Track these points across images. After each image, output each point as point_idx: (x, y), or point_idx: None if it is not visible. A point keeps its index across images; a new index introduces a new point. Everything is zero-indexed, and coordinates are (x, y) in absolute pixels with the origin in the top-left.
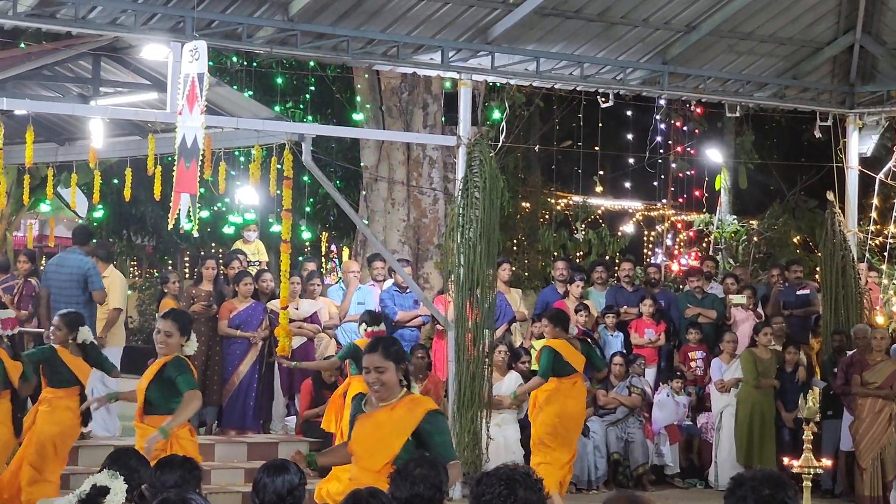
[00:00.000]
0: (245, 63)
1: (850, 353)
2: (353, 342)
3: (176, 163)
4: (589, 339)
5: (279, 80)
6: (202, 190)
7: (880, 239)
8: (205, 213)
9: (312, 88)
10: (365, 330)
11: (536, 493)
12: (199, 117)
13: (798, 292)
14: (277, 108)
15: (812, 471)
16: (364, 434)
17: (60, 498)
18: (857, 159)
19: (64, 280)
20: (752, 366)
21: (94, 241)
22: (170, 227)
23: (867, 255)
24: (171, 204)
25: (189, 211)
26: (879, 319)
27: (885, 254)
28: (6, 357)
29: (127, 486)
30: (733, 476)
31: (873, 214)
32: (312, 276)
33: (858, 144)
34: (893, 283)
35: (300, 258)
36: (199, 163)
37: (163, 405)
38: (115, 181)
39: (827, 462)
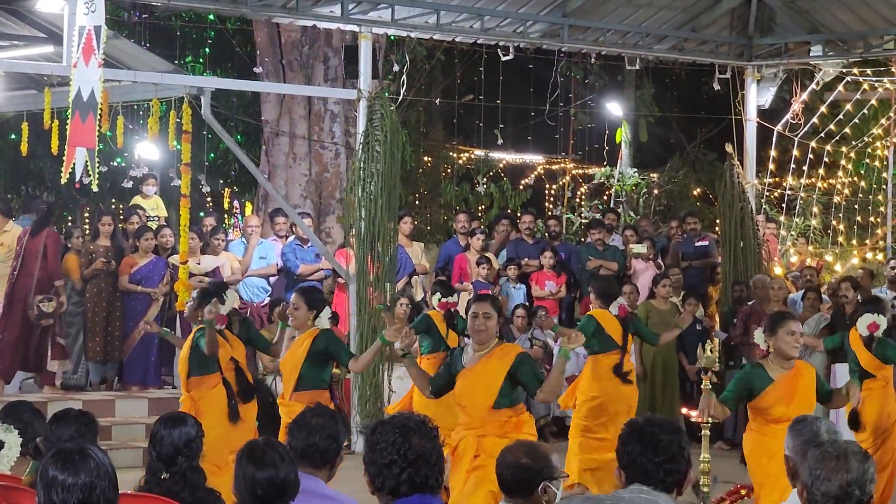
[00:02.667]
0: (143, 16)
1: (749, 303)
2: (427, 313)
3: (70, 116)
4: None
5: (178, 34)
6: (100, 145)
7: (779, 191)
8: (103, 168)
9: (212, 42)
10: (439, 300)
11: (431, 440)
12: (96, 70)
13: (696, 244)
14: (177, 62)
15: (710, 420)
16: (466, 385)
17: None
18: (756, 112)
19: None
20: (644, 320)
21: None
22: (63, 181)
23: (765, 206)
24: (64, 158)
25: (87, 165)
26: (777, 270)
27: (784, 205)
28: None
29: (21, 439)
30: (627, 422)
31: (771, 166)
32: (216, 231)
33: (757, 97)
34: (791, 235)
35: (201, 213)
36: (97, 117)
37: (314, 380)
38: (13, 136)
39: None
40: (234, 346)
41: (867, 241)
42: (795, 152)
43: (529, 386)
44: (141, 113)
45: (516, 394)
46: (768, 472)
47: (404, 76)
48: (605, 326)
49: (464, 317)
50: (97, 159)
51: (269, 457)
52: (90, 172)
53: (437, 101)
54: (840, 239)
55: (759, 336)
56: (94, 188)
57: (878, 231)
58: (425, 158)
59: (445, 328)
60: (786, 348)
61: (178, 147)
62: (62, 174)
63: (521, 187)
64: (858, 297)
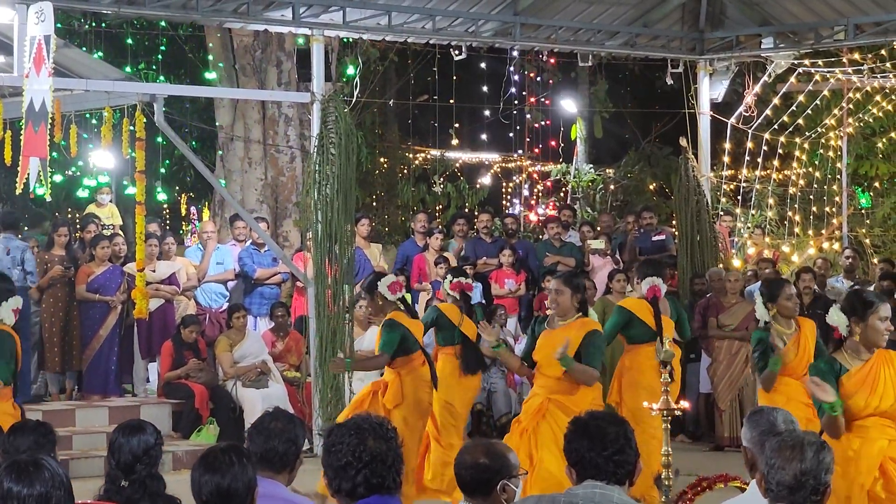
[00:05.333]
0: (94, 24)
1: (707, 296)
2: (437, 306)
3: (24, 127)
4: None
5: (129, 41)
6: (54, 154)
7: (734, 183)
8: (58, 178)
9: (164, 49)
10: (450, 282)
11: (387, 441)
12: (46, 80)
13: (653, 238)
14: (129, 70)
15: (670, 413)
16: (545, 346)
17: None
18: (709, 105)
19: None
20: (600, 315)
21: None
22: (18, 191)
23: (722, 200)
24: (19, 169)
25: (40, 175)
26: (736, 262)
27: (739, 197)
28: None
29: None
30: (572, 420)
31: (726, 159)
32: (166, 236)
33: (709, 90)
34: (748, 227)
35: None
36: (49, 126)
37: None
38: None
39: (685, 404)
40: None
41: (823, 232)
42: (749, 144)
43: (585, 359)
44: (94, 122)
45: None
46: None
47: (357, 78)
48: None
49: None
50: (50, 169)
51: (221, 462)
52: (42, 182)
53: (392, 102)
54: (796, 230)
55: (837, 317)
56: (47, 198)
57: (834, 221)
58: (381, 160)
59: (459, 317)
60: (875, 336)
61: (133, 155)
62: (17, 185)
63: (478, 186)
64: (815, 288)
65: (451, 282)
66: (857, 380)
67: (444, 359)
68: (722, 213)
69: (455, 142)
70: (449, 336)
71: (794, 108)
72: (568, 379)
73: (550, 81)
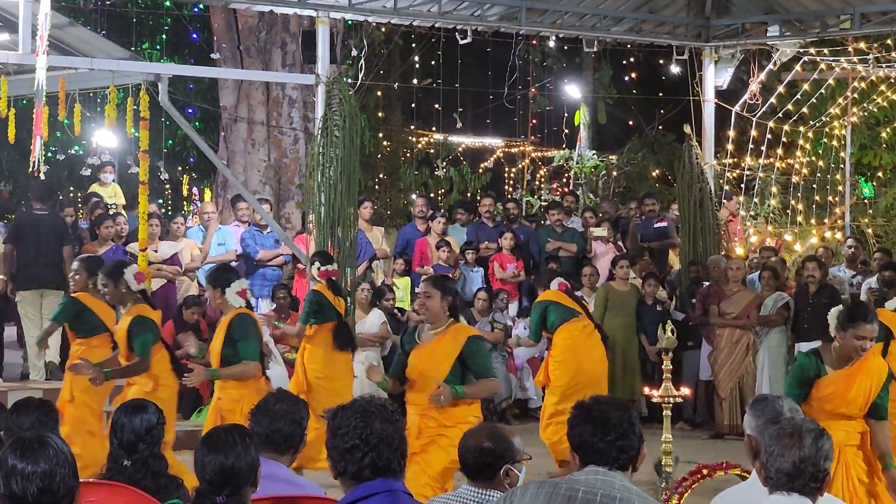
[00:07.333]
0: (99, 3)
1: (706, 284)
2: (317, 290)
3: (36, 106)
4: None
5: (134, 21)
6: (58, 133)
7: (737, 171)
8: (61, 156)
9: (168, 28)
10: (318, 269)
11: (393, 424)
12: (42, 58)
13: (655, 225)
14: (133, 49)
15: (671, 400)
16: (418, 362)
17: None
18: (714, 92)
19: None
20: (602, 301)
21: None
22: (30, 170)
23: (727, 187)
24: (31, 147)
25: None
26: (739, 251)
27: (742, 186)
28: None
29: None
30: (575, 404)
31: (730, 147)
32: (175, 216)
33: (714, 77)
34: (750, 215)
35: (159, 200)
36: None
37: None
38: None
39: (686, 391)
40: None
41: (826, 221)
42: (753, 132)
43: (476, 371)
44: (98, 100)
45: (466, 379)
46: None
47: (362, 61)
48: (559, 300)
49: None
50: (53, 148)
51: (224, 442)
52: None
53: (396, 85)
54: (799, 218)
55: (831, 317)
56: (41, 176)
57: (837, 210)
58: (384, 143)
59: (333, 297)
60: (849, 350)
61: (136, 134)
62: (31, 163)
63: (481, 171)
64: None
65: (318, 269)
66: (831, 383)
67: (322, 336)
68: (726, 200)
69: (459, 126)
70: (330, 313)
71: (798, 96)
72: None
73: (555, 67)
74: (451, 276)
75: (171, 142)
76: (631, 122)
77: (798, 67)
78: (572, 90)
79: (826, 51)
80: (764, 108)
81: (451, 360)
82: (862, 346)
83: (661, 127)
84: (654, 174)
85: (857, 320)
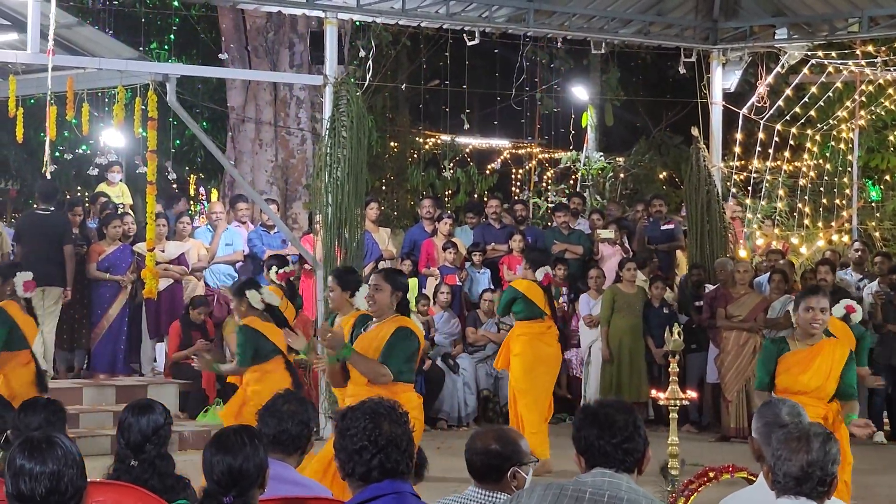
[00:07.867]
0: (108, 3)
1: (712, 286)
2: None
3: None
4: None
5: (142, 21)
6: (66, 133)
7: (745, 174)
8: (68, 156)
9: (176, 29)
10: (276, 272)
11: (401, 426)
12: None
13: (662, 227)
14: (141, 49)
15: (678, 403)
16: (358, 349)
17: None
18: (721, 95)
19: None
20: (609, 303)
21: None
22: (42, 170)
23: (733, 190)
24: (44, 147)
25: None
26: (742, 253)
27: (749, 188)
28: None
29: None
30: (581, 407)
31: (737, 149)
32: (182, 216)
33: (722, 80)
34: (757, 217)
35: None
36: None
37: None
38: None
39: (693, 394)
40: None
41: (833, 224)
42: (761, 135)
43: (382, 353)
44: (106, 100)
45: (399, 368)
46: None
47: (370, 62)
48: (529, 296)
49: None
50: (62, 147)
51: (233, 443)
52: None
53: (403, 86)
54: (806, 221)
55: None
56: (48, 175)
57: (844, 213)
58: (392, 144)
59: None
60: (803, 325)
61: (144, 134)
62: (44, 163)
63: (488, 172)
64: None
65: (276, 272)
66: (794, 360)
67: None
68: (732, 200)
69: (466, 127)
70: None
71: (806, 99)
72: (374, 389)
73: (562, 68)
74: (457, 277)
75: (178, 142)
76: (638, 124)
77: (806, 70)
78: (580, 92)
79: (834, 54)
80: (771, 111)
81: (381, 345)
82: (814, 318)
83: (668, 129)
84: (661, 176)
85: (806, 296)
